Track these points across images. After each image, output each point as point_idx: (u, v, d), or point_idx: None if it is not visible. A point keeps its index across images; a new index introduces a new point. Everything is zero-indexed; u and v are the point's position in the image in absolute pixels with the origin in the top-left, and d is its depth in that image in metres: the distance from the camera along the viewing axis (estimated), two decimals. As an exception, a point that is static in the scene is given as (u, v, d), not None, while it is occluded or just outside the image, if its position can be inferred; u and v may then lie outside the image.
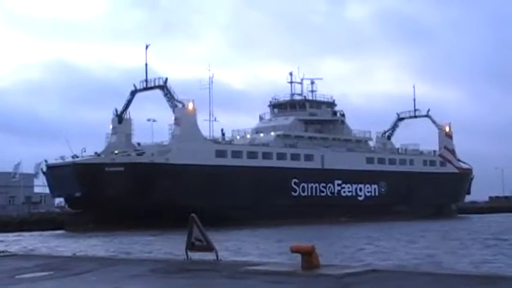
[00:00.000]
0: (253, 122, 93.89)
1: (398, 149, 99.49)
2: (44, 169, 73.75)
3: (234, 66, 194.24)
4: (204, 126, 77.87)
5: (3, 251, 20.92)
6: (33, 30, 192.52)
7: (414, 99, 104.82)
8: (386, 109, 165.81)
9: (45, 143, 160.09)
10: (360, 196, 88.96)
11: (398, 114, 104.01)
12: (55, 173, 70.22)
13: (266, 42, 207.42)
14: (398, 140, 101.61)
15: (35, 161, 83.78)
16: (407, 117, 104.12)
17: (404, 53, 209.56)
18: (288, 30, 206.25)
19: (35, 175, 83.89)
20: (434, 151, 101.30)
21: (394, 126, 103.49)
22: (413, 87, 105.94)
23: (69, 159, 70.03)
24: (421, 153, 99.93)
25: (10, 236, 58.06)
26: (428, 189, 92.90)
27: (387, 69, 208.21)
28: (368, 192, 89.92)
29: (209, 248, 14.15)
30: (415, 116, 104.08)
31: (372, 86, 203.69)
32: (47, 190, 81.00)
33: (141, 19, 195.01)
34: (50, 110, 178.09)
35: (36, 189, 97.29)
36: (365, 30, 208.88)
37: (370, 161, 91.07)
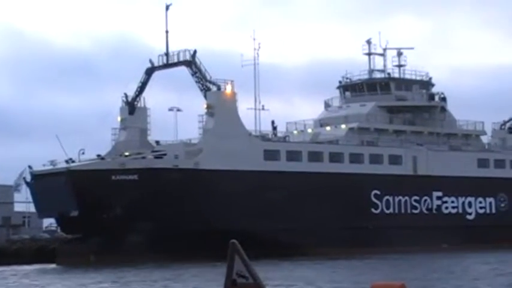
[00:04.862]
0: (293, 110, 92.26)
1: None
2: (28, 179, 74.96)
3: (258, 30, 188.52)
4: (247, 117, 78.36)
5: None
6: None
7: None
8: (486, 88, 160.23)
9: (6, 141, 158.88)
10: (470, 214, 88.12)
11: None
12: (43, 184, 71.31)
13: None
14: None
15: (12, 167, 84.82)
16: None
17: (497, 6, 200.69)
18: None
19: (16, 187, 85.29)
20: None
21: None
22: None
23: (62, 165, 71.12)
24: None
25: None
26: None
27: (473, 29, 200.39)
28: (481, 208, 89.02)
29: (257, 287, 14.16)
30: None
31: (457, 54, 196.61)
32: (32, 208, 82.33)
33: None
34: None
35: (17, 207, 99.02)
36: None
37: (483, 164, 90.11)
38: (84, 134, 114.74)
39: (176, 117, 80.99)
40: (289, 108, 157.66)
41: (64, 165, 70.78)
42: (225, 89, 75.02)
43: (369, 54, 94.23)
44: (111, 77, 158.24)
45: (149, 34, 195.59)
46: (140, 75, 78.89)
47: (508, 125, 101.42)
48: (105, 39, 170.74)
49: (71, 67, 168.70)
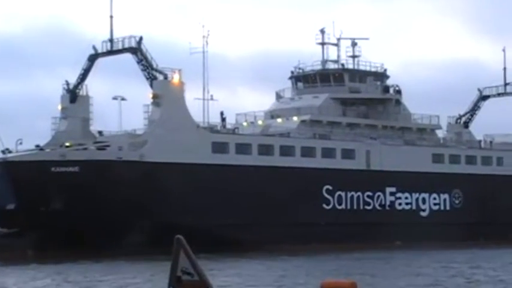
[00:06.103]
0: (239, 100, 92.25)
1: (480, 142, 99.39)
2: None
3: (207, 17, 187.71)
4: (195, 108, 78.17)
5: None
6: None
7: (505, 69, 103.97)
8: (442, 81, 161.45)
9: None
10: (424, 211, 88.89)
11: (480, 91, 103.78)
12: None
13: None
14: (481, 128, 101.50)
15: None
16: (494, 95, 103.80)
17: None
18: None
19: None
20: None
21: (474, 109, 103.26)
22: (504, 50, 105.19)
23: (-2, 156, 70.51)
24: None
25: None
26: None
27: (430, 20, 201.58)
28: (435, 205, 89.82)
29: (203, 284, 14.08)
30: (505, 93, 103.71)
31: (412, 45, 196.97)
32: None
33: None
34: None
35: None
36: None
37: (438, 159, 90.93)
38: (22, 123, 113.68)
39: (120, 107, 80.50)
40: (239, 99, 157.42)
41: (0, 155, 70.33)
42: (172, 78, 74.68)
43: (323, 44, 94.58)
44: (46, 62, 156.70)
45: (90, 19, 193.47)
46: (82, 62, 78.19)
47: (463, 119, 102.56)
48: (39, 23, 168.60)
49: (3, 54, 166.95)
